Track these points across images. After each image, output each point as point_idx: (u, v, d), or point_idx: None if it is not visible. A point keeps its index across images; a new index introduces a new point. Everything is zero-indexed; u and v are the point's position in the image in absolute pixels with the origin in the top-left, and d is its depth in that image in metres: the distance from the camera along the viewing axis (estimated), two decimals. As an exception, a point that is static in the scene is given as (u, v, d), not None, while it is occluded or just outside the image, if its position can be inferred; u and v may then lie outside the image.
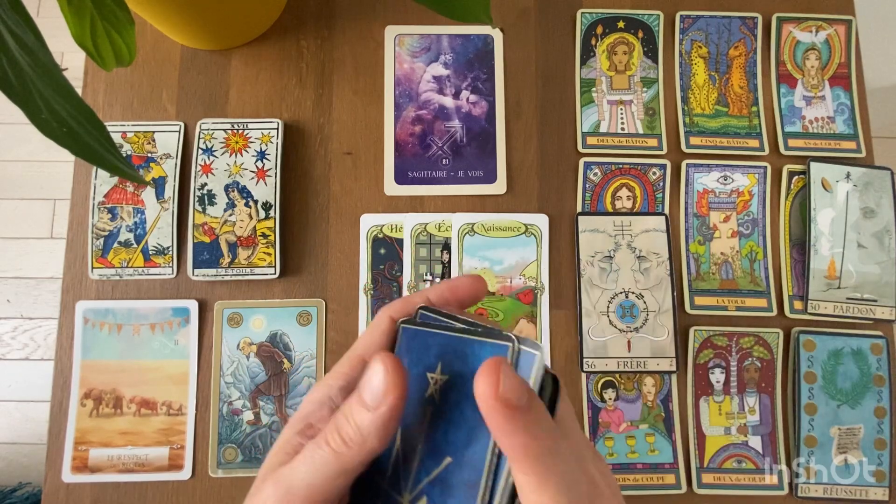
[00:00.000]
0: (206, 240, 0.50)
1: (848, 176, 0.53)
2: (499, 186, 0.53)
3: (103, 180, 0.51)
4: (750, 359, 0.51)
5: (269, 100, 0.54)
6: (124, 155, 0.52)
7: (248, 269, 0.50)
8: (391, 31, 0.55)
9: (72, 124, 0.28)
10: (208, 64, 0.55)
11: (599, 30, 0.56)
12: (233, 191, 0.51)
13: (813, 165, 0.53)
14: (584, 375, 0.51)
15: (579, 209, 0.53)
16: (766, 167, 0.54)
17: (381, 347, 0.22)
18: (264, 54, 0.55)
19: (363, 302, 0.51)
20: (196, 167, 0.51)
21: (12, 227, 1.32)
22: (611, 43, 0.56)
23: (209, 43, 0.54)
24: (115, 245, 0.50)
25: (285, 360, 0.50)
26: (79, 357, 0.49)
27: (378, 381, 0.18)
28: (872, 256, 0.52)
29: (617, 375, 0.50)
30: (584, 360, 0.50)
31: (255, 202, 0.51)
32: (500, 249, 0.52)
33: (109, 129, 0.38)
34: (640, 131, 0.54)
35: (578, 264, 0.52)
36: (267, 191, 0.51)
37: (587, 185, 0.53)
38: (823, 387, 0.50)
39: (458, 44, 0.55)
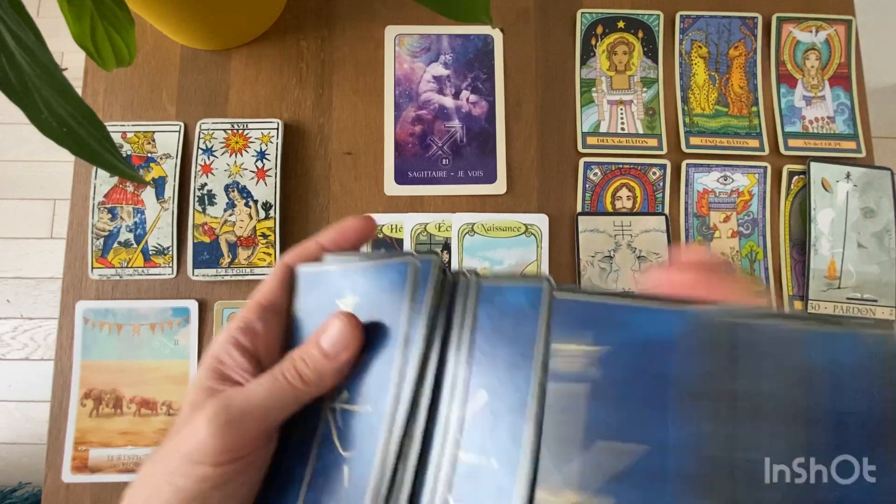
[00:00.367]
0: (206, 240, 0.50)
1: (848, 176, 0.53)
2: (499, 186, 0.53)
3: (103, 180, 0.51)
4: (750, 359, 0.51)
5: (269, 100, 0.54)
6: (124, 155, 0.52)
7: (248, 270, 0.50)
8: (391, 31, 0.55)
9: (72, 124, 0.28)
10: (208, 64, 0.55)
11: (599, 30, 0.56)
12: (233, 191, 0.51)
13: (813, 165, 0.53)
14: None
15: (579, 209, 0.53)
16: (766, 167, 0.54)
17: (276, 292, 0.24)
18: (264, 54, 0.55)
19: (363, 302, 0.51)
20: (196, 167, 0.51)
21: (12, 227, 1.32)
22: (611, 43, 0.56)
23: (209, 43, 0.54)
24: (115, 245, 0.50)
25: (285, 360, 0.50)
26: (79, 357, 0.49)
27: (336, 331, 0.20)
28: (872, 256, 0.52)
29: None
30: (584, 360, 0.50)
31: (255, 202, 0.51)
32: (500, 249, 0.52)
33: (109, 129, 0.38)
34: (640, 131, 0.54)
35: (578, 264, 0.52)
36: (267, 191, 0.51)
37: (587, 185, 0.53)
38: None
39: (458, 44, 0.55)
